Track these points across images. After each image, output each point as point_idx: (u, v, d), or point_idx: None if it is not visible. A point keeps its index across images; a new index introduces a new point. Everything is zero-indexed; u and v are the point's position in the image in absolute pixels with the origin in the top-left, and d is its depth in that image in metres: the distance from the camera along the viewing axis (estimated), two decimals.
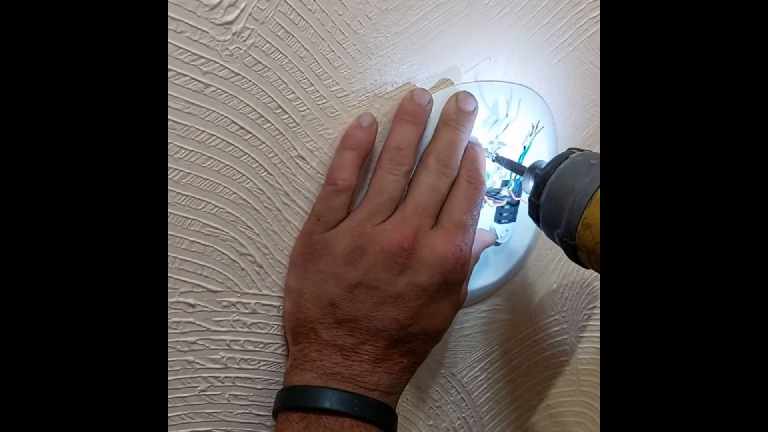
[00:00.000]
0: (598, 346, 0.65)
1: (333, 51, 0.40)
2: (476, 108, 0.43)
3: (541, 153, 0.51)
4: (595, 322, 0.63)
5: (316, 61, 0.40)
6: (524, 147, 0.46)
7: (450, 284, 0.42)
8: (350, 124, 0.42)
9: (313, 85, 0.40)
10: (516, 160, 0.47)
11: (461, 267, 0.42)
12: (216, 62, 0.36)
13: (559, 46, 0.49)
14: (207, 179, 0.39)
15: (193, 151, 0.38)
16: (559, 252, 0.57)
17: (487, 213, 0.50)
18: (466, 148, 0.44)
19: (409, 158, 0.42)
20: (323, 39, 0.39)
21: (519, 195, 0.48)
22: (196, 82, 0.36)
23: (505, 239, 0.51)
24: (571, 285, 0.60)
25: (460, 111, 0.43)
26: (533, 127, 0.46)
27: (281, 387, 0.43)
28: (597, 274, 0.60)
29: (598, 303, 0.63)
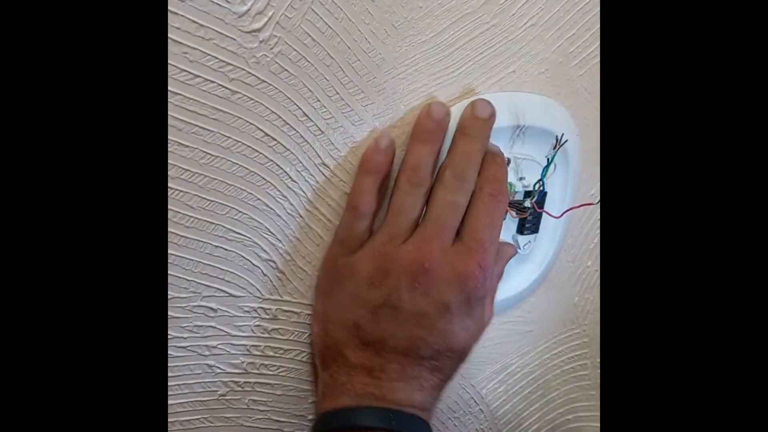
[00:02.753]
0: None
1: (359, 59, 0.40)
2: (492, 114, 0.43)
3: (564, 165, 0.50)
4: None
5: (342, 69, 0.40)
6: (547, 159, 0.46)
7: (473, 301, 0.42)
8: (368, 146, 0.42)
9: (338, 93, 0.40)
10: (540, 172, 0.47)
11: (483, 284, 0.41)
12: (243, 69, 0.37)
13: (585, 57, 0.49)
14: (231, 185, 0.39)
15: (218, 156, 0.38)
16: (581, 266, 0.57)
17: (509, 223, 0.49)
18: (486, 159, 0.43)
19: (426, 178, 0.42)
20: (349, 48, 0.40)
21: (542, 206, 0.48)
22: (223, 89, 0.37)
23: (527, 251, 0.51)
24: (593, 299, 0.59)
25: (476, 119, 0.42)
26: (557, 139, 0.45)
27: (313, 410, 0.42)
28: None
29: None
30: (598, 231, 0.57)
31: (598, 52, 0.50)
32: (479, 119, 0.42)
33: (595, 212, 0.56)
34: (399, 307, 0.40)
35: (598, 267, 0.58)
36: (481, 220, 0.42)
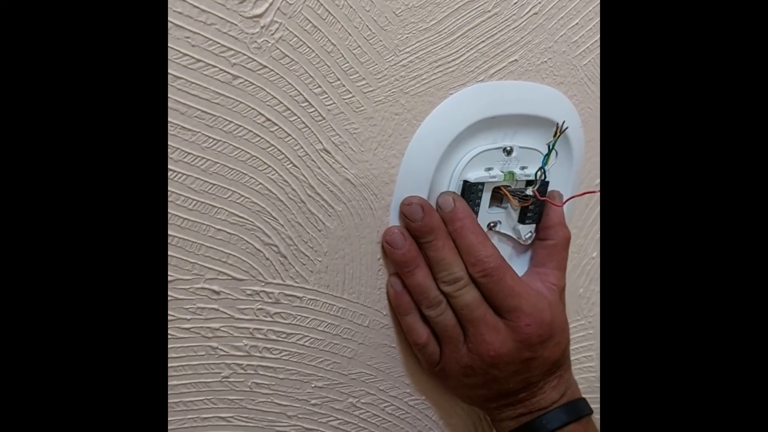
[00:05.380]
0: None
1: (360, 46, 0.41)
2: (423, 212, 0.45)
3: (567, 156, 0.51)
4: None
5: (343, 56, 0.40)
6: (548, 146, 0.46)
7: (530, 347, 0.47)
8: (388, 291, 0.48)
9: (339, 79, 0.41)
10: (542, 158, 0.47)
11: (535, 337, 0.46)
12: (244, 54, 0.37)
13: (589, 47, 0.49)
14: (233, 169, 0.40)
15: (220, 140, 0.39)
16: (585, 256, 0.57)
17: (511, 212, 0.50)
18: (453, 234, 0.46)
19: (435, 294, 0.46)
20: (350, 34, 0.40)
21: (544, 195, 0.48)
22: (225, 74, 0.37)
23: (530, 240, 0.51)
24: (597, 291, 0.59)
25: (414, 222, 0.46)
26: (558, 126, 0.46)
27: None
28: None
29: None
30: None
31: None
32: (417, 222, 0.45)
33: (599, 203, 0.56)
34: (495, 380, 0.48)
35: None
36: (498, 300, 0.46)
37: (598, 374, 0.63)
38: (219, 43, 0.37)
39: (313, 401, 0.48)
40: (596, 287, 0.59)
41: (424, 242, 0.46)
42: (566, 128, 0.46)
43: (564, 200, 0.48)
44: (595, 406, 0.64)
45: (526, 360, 0.47)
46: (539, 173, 0.47)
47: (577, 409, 0.50)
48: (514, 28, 0.46)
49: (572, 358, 0.61)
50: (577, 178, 0.52)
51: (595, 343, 0.61)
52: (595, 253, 0.58)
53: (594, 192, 0.50)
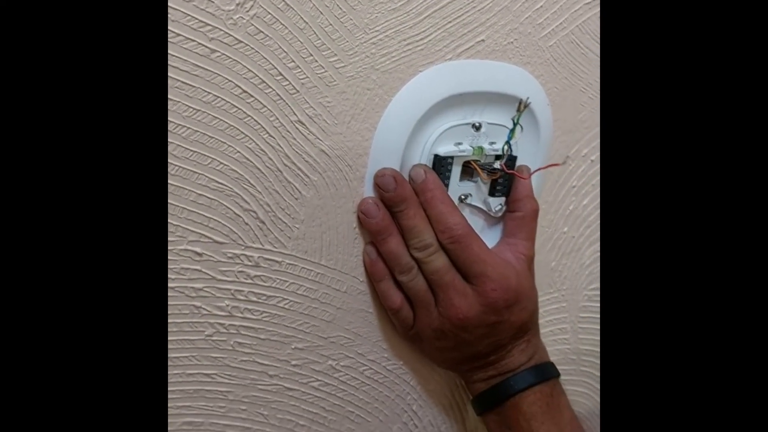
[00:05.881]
0: (600, 327, 0.67)
1: (331, 24, 0.44)
2: (396, 183, 0.48)
3: (535, 133, 0.53)
4: (596, 304, 0.66)
5: (315, 33, 0.44)
6: (513, 120, 0.49)
7: (496, 311, 0.50)
8: (364, 258, 0.51)
9: (312, 55, 0.44)
10: (507, 134, 0.50)
11: (499, 307, 0.50)
12: (221, 30, 0.41)
13: (554, 29, 0.52)
14: (213, 137, 0.43)
15: (200, 110, 0.42)
16: (557, 231, 0.60)
17: (481, 186, 0.53)
18: (424, 204, 0.49)
19: (407, 261, 0.50)
20: (321, 13, 0.43)
21: (511, 168, 0.51)
22: (203, 47, 0.40)
23: (500, 212, 0.54)
24: (570, 265, 0.62)
25: (387, 192, 0.49)
26: (521, 102, 0.49)
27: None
28: (596, 256, 0.63)
29: (598, 285, 0.65)
30: (573, 198, 0.60)
31: (567, 24, 0.53)
32: (390, 192, 0.48)
33: (569, 179, 0.59)
34: (467, 343, 0.52)
35: (574, 234, 0.61)
36: (465, 265, 0.49)
37: (572, 346, 0.66)
38: (197, 18, 0.40)
39: (293, 362, 0.51)
40: (568, 261, 0.62)
41: (396, 211, 0.49)
42: (529, 103, 0.49)
43: (529, 174, 0.51)
44: (570, 377, 0.66)
45: (493, 324, 0.50)
46: (505, 147, 0.50)
47: (545, 371, 0.53)
48: (480, 10, 0.48)
49: (546, 329, 0.63)
50: (546, 155, 0.55)
51: (569, 315, 0.64)
52: (566, 228, 0.60)
53: (558, 165, 0.53)
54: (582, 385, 0.68)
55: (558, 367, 0.54)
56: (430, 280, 0.50)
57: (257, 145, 0.44)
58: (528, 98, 0.49)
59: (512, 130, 0.50)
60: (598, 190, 0.60)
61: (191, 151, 0.42)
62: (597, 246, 0.63)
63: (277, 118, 0.44)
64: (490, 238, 0.55)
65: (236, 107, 0.43)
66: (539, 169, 0.51)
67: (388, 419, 0.57)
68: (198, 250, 0.45)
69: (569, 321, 0.64)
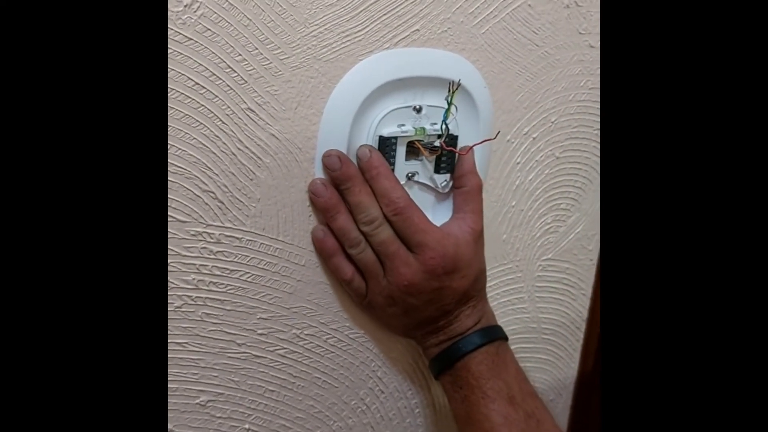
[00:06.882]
0: (558, 296, 0.71)
1: (273, 20, 0.49)
2: (340, 163, 0.53)
3: (473, 114, 0.58)
4: (552, 274, 0.70)
5: (259, 28, 0.49)
6: (446, 101, 0.54)
7: (437, 277, 0.54)
8: (312, 238, 0.55)
9: (257, 48, 0.49)
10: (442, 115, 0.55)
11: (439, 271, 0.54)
12: (172, 29, 0.46)
13: (486, 17, 0.57)
14: (170, 126, 0.48)
15: None
16: (505, 205, 0.64)
17: (427, 164, 0.57)
18: (370, 181, 0.53)
19: (355, 235, 0.54)
20: (263, 10, 0.48)
21: (450, 145, 0.56)
22: None
23: (447, 188, 0.58)
24: (521, 237, 0.67)
25: (334, 171, 0.53)
26: (451, 83, 0.53)
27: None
28: (546, 228, 0.67)
29: (552, 255, 0.69)
30: (519, 173, 0.64)
31: (497, 12, 0.58)
32: (336, 171, 0.53)
33: (513, 156, 0.64)
34: (413, 308, 0.57)
35: (523, 207, 0.66)
36: (408, 235, 0.54)
37: (531, 315, 0.70)
38: None
39: (259, 331, 0.56)
40: (519, 233, 0.66)
41: (343, 189, 0.54)
42: (459, 85, 0.53)
43: (467, 149, 0.56)
44: (533, 345, 0.71)
45: (436, 289, 0.54)
46: (443, 126, 0.55)
47: (490, 333, 0.57)
48: (412, 2, 0.53)
49: (503, 299, 0.68)
50: (488, 134, 0.60)
51: (525, 285, 0.69)
52: (515, 202, 0.65)
53: (491, 139, 0.57)
54: (545, 352, 0.73)
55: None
56: (377, 251, 0.54)
57: (212, 131, 0.49)
58: (459, 80, 0.54)
59: (447, 110, 0.54)
60: (541, 166, 0.65)
61: None
62: (546, 218, 0.67)
63: (229, 107, 0.49)
64: (441, 212, 0.59)
65: (190, 98, 0.48)
66: (475, 145, 0.56)
67: (354, 385, 0.61)
68: None
69: (526, 291, 0.69)
